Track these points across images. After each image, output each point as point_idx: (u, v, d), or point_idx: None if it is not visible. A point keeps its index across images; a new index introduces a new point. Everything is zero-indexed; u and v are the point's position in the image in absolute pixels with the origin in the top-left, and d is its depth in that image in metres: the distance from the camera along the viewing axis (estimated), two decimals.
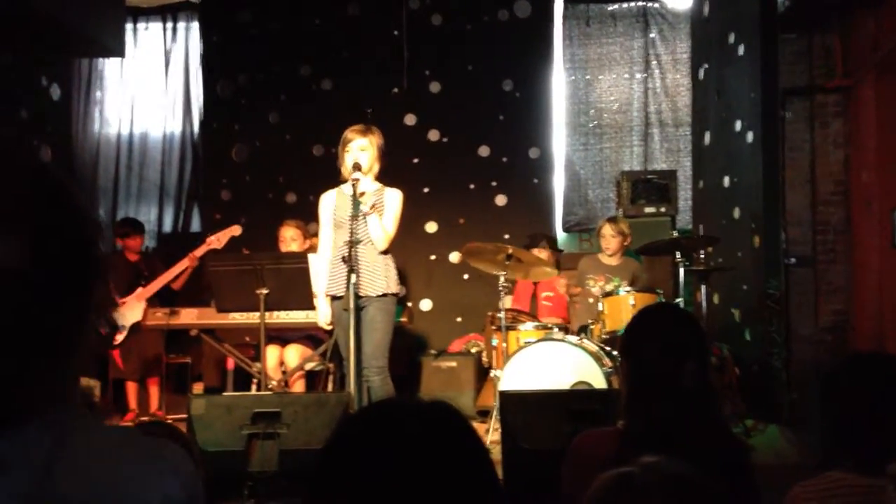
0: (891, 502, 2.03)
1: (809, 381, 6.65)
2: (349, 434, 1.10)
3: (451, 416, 1.11)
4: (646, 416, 2.22)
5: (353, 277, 4.88)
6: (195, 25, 9.50)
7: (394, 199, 5.23)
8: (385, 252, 5.17)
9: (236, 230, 7.02)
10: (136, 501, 1.08)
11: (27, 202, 1.09)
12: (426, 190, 8.74)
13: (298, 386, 6.56)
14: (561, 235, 9.17)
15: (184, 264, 7.08)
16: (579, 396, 5.00)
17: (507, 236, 8.33)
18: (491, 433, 5.71)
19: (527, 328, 6.35)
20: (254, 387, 6.45)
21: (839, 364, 2.38)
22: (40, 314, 1.07)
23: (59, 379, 1.10)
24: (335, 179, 5.36)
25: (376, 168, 5.22)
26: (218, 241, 6.94)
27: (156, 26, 9.59)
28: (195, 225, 9.42)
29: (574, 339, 6.02)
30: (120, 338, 7.06)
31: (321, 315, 5.46)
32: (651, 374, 2.26)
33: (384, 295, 5.13)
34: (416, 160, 8.81)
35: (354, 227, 4.97)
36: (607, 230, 6.95)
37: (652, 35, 9.28)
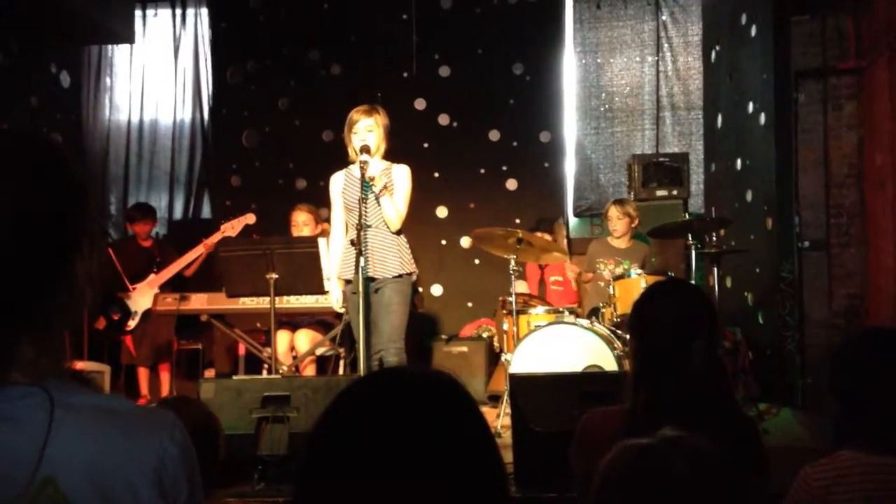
0: None
1: (823, 365, 6.61)
2: (347, 401, 1.08)
3: (450, 386, 1.09)
4: (652, 392, 2.19)
5: (362, 261, 4.85)
6: (204, 12, 9.50)
7: (402, 176, 5.20)
8: (398, 233, 5.15)
9: (250, 218, 7.01)
10: (133, 464, 1.07)
11: (21, 169, 1.09)
12: (436, 174, 8.72)
13: (309, 371, 6.56)
14: (572, 220, 9.14)
15: (198, 251, 7.07)
16: (590, 379, 4.98)
17: (517, 220, 8.29)
18: (502, 417, 5.69)
19: (538, 312, 6.33)
20: (265, 372, 6.45)
21: (852, 339, 2.34)
22: (21, 277, 1.06)
23: (42, 347, 1.08)
24: (345, 164, 5.35)
25: (384, 148, 5.19)
26: (232, 228, 6.94)
27: (165, 13, 9.58)
28: (206, 211, 9.43)
29: (585, 322, 5.99)
30: (132, 324, 7.08)
31: (333, 298, 5.45)
32: (659, 351, 2.23)
33: (399, 276, 5.10)
34: (426, 145, 8.78)
35: (363, 211, 4.94)
36: (613, 212, 6.94)
37: (663, 17, 9.21)
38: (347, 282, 5.22)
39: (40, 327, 1.08)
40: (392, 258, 5.08)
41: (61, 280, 1.11)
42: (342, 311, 5.51)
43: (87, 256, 1.14)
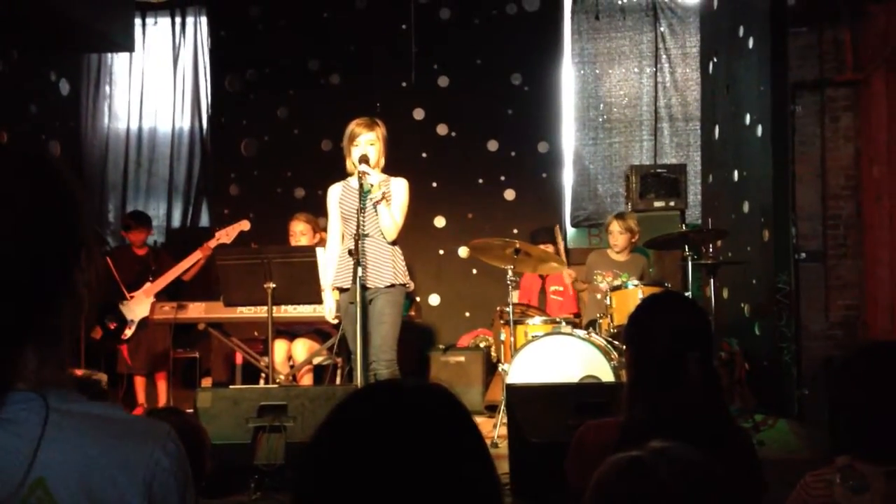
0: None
1: (819, 377, 6.62)
2: (343, 414, 1.09)
3: (445, 398, 1.10)
4: (648, 404, 2.20)
5: (360, 271, 4.86)
6: (203, 20, 9.51)
7: (400, 188, 5.21)
8: (393, 243, 5.15)
9: (245, 225, 7.03)
10: (123, 471, 1.08)
11: (16, 185, 1.12)
12: (434, 184, 8.73)
13: (306, 380, 6.56)
14: (570, 231, 9.15)
15: (196, 256, 7.08)
16: (586, 390, 4.98)
17: (515, 231, 8.30)
18: (498, 427, 5.69)
19: (535, 322, 6.33)
20: (262, 381, 6.45)
21: (855, 352, 2.35)
22: (24, 291, 1.09)
23: (45, 357, 1.11)
24: (344, 174, 5.35)
25: (382, 161, 5.21)
26: (227, 235, 6.95)
27: (164, 21, 9.60)
28: (204, 220, 9.44)
29: (582, 333, 6.00)
30: (129, 332, 7.07)
31: (327, 308, 5.45)
32: (655, 362, 2.24)
33: (392, 286, 5.10)
34: (424, 154, 8.80)
35: (361, 221, 4.95)
36: (614, 227, 6.92)
37: (661, 29, 9.24)
38: (341, 291, 5.23)
39: (44, 338, 1.11)
40: (385, 268, 5.08)
41: (62, 291, 1.14)
42: (335, 321, 5.52)
43: (85, 266, 1.17)
